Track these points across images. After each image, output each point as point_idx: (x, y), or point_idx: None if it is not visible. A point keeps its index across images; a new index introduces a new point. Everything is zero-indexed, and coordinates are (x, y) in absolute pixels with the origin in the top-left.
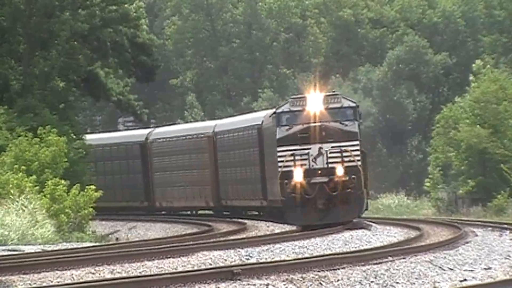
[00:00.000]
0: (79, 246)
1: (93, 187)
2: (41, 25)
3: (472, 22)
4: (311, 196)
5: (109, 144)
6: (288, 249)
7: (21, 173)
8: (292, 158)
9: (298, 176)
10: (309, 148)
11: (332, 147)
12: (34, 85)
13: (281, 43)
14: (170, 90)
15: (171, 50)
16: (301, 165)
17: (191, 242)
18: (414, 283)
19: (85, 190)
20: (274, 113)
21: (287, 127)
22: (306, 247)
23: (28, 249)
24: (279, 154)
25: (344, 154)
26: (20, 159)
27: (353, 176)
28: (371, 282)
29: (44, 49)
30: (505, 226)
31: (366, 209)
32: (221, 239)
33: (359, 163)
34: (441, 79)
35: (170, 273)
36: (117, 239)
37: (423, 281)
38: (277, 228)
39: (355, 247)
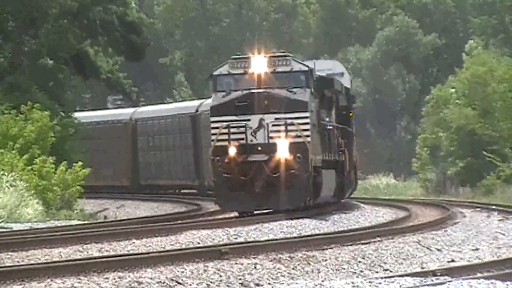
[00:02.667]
0: (67, 224)
1: (80, 163)
2: (30, 2)
3: (461, 3)
4: (248, 177)
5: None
6: (276, 228)
7: (14, 151)
8: (227, 130)
9: (232, 152)
10: (248, 120)
11: (275, 118)
12: (23, 63)
13: (271, 23)
14: (159, 69)
15: (161, 29)
16: (237, 139)
17: (179, 221)
18: (402, 263)
19: (72, 168)
20: (211, 75)
21: (223, 93)
22: (294, 226)
23: (16, 226)
24: (212, 125)
25: (289, 127)
26: (6, 137)
27: (298, 155)
28: (359, 262)
29: (33, 27)
30: (493, 207)
31: (354, 190)
32: (209, 218)
33: (308, 139)
34: (431, 60)
35: (158, 252)
36: (105, 217)
37: (410, 262)
38: None
39: (343, 227)
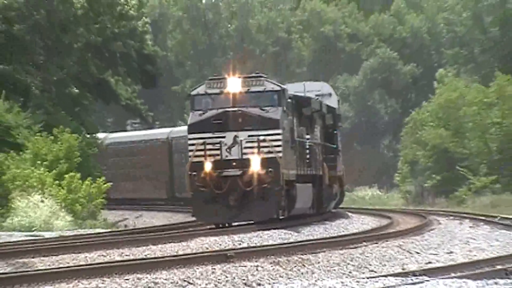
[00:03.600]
0: (92, 232)
1: (103, 178)
2: (58, 37)
3: (436, 37)
4: (222, 191)
5: None
6: (275, 235)
7: (42, 168)
8: (203, 147)
9: (208, 167)
10: (223, 137)
11: (249, 135)
12: (52, 91)
13: (269, 55)
14: (172, 95)
15: (173, 60)
16: (213, 155)
17: (190, 229)
18: (385, 265)
19: (96, 182)
20: (189, 95)
21: (200, 112)
22: (290, 233)
23: (47, 235)
24: (189, 142)
25: (262, 144)
26: (38, 155)
27: (270, 169)
28: (348, 264)
29: (60, 58)
30: (465, 215)
31: (341, 202)
32: (243, 223)
33: (280, 154)
34: (410, 86)
35: (172, 256)
36: (125, 226)
37: (393, 264)
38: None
39: (334, 234)
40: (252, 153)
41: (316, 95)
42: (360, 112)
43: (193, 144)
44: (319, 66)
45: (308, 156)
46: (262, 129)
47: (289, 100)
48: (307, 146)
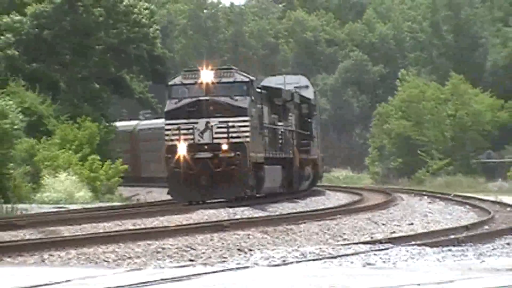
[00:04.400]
0: (110, 205)
1: (120, 160)
2: (81, 41)
3: (400, 42)
4: (194, 172)
5: None
6: (264, 208)
7: (69, 151)
8: (177, 132)
9: (182, 150)
10: (196, 123)
11: (219, 122)
12: (77, 86)
13: (259, 57)
14: None
15: (178, 61)
16: (186, 139)
17: (193, 203)
18: (356, 234)
19: (115, 164)
20: (166, 85)
21: (176, 100)
22: (277, 207)
23: (72, 207)
24: (166, 127)
25: (231, 129)
26: (65, 140)
27: (238, 153)
28: (325, 233)
29: (84, 59)
30: (424, 193)
31: (316, 181)
32: (214, 201)
33: (247, 139)
34: (378, 84)
35: (176, 226)
36: (137, 200)
37: (363, 233)
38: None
39: (313, 208)
40: (222, 138)
41: (295, 87)
42: (335, 105)
43: (169, 130)
44: (302, 66)
45: (280, 141)
46: (231, 116)
47: (260, 90)
48: (280, 132)
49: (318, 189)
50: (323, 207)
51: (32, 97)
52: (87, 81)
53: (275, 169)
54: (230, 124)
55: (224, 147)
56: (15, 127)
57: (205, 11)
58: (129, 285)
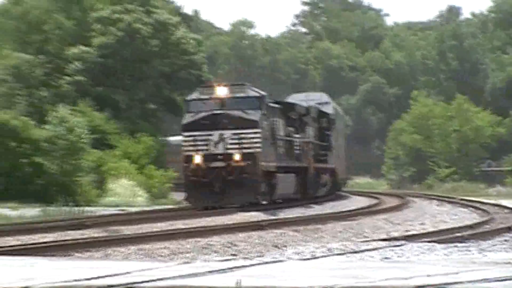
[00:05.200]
0: (164, 208)
1: (172, 169)
2: (139, 68)
3: (412, 68)
4: (209, 180)
5: None
6: (296, 211)
7: (130, 161)
8: (194, 143)
9: (197, 160)
10: (211, 134)
11: (232, 133)
12: (135, 106)
13: (292, 80)
14: None
15: None
16: (202, 150)
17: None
18: (375, 232)
19: (166, 172)
20: (185, 100)
21: (193, 114)
22: (306, 210)
23: (132, 209)
24: (184, 139)
25: (243, 141)
26: (125, 152)
27: (249, 162)
28: (348, 231)
29: (141, 83)
30: (433, 197)
31: (335, 187)
32: (264, 203)
33: (258, 150)
34: (393, 104)
35: (222, 225)
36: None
37: (381, 231)
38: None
39: (338, 210)
40: (235, 148)
41: (316, 103)
42: (357, 122)
43: (186, 141)
44: (328, 89)
45: (296, 151)
46: (243, 128)
47: (274, 105)
48: (295, 143)
49: (342, 193)
50: (346, 209)
51: (98, 116)
52: (144, 102)
53: (288, 177)
54: (242, 135)
55: (236, 157)
56: (82, 140)
57: (245, 42)
58: (181, 276)
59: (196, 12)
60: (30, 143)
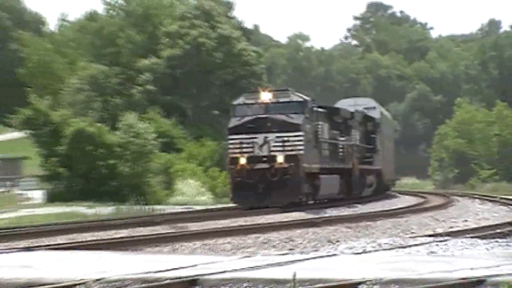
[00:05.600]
0: (227, 206)
1: None
2: (204, 77)
3: (456, 77)
4: (253, 181)
5: None
6: (349, 209)
7: (195, 164)
8: (239, 145)
9: (242, 162)
10: (256, 137)
11: (276, 136)
12: (201, 113)
13: (345, 88)
14: None
15: None
16: (247, 152)
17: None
18: (421, 229)
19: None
20: (231, 105)
21: (239, 118)
22: (358, 208)
23: (197, 208)
24: (229, 142)
25: (286, 143)
26: (191, 155)
27: (291, 164)
28: (396, 227)
29: (206, 92)
30: (475, 196)
31: (380, 188)
32: (309, 204)
33: (301, 152)
34: (438, 110)
35: (279, 222)
36: None
37: (427, 228)
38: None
39: (387, 208)
40: (278, 150)
41: (364, 108)
42: (405, 127)
43: (231, 143)
44: (377, 97)
45: (340, 154)
46: (286, 131)
47: (318, 109)
48: (339, 146)
49: (391, 193)
50: (395, 207)
51: (166, 122)
52: (208, 109)
53: (332, 178)
54: (285, 138)
55: (280, 159)
56: (150, 144)
57: (301, 53)
58: (242, 268)
59: (256, 26)
60: (105, 148)
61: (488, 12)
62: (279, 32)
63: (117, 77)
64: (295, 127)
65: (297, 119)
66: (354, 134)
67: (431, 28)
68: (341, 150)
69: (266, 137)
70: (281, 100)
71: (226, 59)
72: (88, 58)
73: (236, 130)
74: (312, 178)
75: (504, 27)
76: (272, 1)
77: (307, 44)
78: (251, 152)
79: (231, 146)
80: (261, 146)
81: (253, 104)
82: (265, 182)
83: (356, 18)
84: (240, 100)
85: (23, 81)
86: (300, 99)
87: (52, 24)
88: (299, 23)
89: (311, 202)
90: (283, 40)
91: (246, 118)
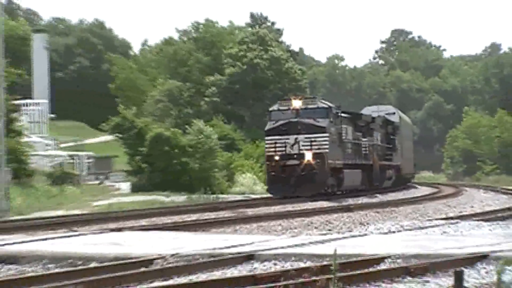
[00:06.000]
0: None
1: None
2: (259, 90)
3: (464, 89)
4: (285, 175)
5: None
6: (377, 198)
7: (251, 161)
8: (274, 145)
9: (276, 159)
10: (288, 138)
11: (305, 137)
12: (255, 118)
13: (374, 98)
14: None
15: None
16: (280, 151)
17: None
18: (436, 213)
19: None
20: (268, 111)
21: (273, 122)
22: (384, 197)
23: (253, 196)
24: (266, 142)
25: (313, 143)
26: (247, 154)
27: (318, 161)
28: (415, 212)
29: (259, 100)
30: (480, 187)
31: (399, 181)
32: (337, 193)
33: (326, 150)
34: (449, 117)
35: (319, 208)
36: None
37: (441, 212)
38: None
39: (408, 196)
40: (307, 149)
41: (385, 113)
42: (422, 131)
43: (268, 143)
44: (400, 106)
45: (363, 152)
46: (313, 133)
47: (343, 114)
48: (362, 145)
49: (412, 185)
50: (414, 195)
51: (228, 127)
52: (262, 116)
53: (355, 173)
54: (313, 139)
55: (308, 156)
56: (214, 144)
57: (337, 71)
58: (290, 245)
59: (301, 49)
60: (179, 148)
61: (491, 35)
62: (319, 53)
63: (188, 91)
64: (321, 130)
65: (323, 122)
66: (375, 135)
67: (444, 49)
68: (363, 148)
69: (296, 138)
70: (309, 106)
71: (276, 76)
72: (165, 75)
73: (271, 132)
74: (337, 172)
75: (504, 48)
76: (314, 27)
77: (342, 63)
78: (284, 150)
79: (267, 145)
80: (292, 145)
81: (286, 110)
82: (296, 176)
83: (382, 42)
84: (275, 106)
85: (113, 94)
86: (326, 106)
87: (136, 48)
88: (336, 45)
89: (338, 192)
90: (323, 60)
91: (280, 122)
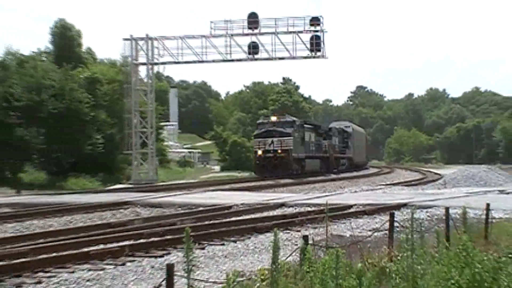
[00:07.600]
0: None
1: None
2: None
3: (395, 117)
4: (265, 163)
5: None
6: (318, 178)
7: None
8: (258, 144)
9: (259, 153)
10: (267, 140)
11: (277, 140)
12: None
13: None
14: None
15: None
16: (262, 147)
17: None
18: (380, 182)
19: None
20: (256, 123)
21: (259, 129)
22: (325, 177)
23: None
24: (254, 142)
25: (282, 143)
26: None
27: (286, 154)
28: (369, 182)
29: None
30: (403, 168)
31: (367, 166)
32: (299, 174)
33: (291, 147)
34: (389, 131)
35: (320, 179)
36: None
37: (382, 182)
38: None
39: (364, 173)
40: (278, 147)
41: (344, 126)
42: (374, 139)
43: (255, 143)
44: (361, 125)
45: (322, 149)
46: (283, 137)
47: (307, 125)
48: (322, 145)
49: (367, 168)
50: (366, 173)
51: None
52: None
53: (314, 161)
54: (282, 140)
55: (279, 151)
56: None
57: (328, 107)
58: (303, 199)
59: (309, 95)
60: (245, 148)
61: (409, 88)
62: (318, 96)
63: (249, 118)
64: (287, 134)
65: (289, 130)
66: (333, 139)
67: (385, 96)
68: (324, 146)
69: (272, 140)
70: (281, 120)
71: (292, 108)
72: (238, 110)
73: (257, 136)
74: (300, 161)
75: (415, 96)
76: (316, 82)
77: (331, 103)
78: (264, 147)
79: (254, 144)
80: (270, 144)
81: (266, 122)
82: (271, 163)
83: (351, 92)
84: (260, 120)
85: (211, 119)
86: (291, 120)
87: (223, 95)
88: (328, 91)
89: (300, 173)
90: (320, 100)
91: (263, 130)
